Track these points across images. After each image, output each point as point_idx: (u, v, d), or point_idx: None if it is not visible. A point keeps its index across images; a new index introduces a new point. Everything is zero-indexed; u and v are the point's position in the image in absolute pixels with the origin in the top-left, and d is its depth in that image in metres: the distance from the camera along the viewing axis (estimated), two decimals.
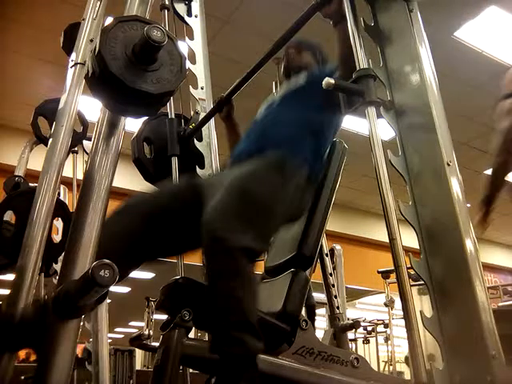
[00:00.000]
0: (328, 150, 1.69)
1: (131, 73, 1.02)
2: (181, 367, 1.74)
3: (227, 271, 1.16)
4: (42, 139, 2.12)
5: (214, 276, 1.18)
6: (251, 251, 1.20)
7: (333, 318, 2.15)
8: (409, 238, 1.32)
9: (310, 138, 1.54)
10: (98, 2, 1.73)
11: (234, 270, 1.16)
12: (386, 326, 6.12)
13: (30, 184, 2.41)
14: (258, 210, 1.31)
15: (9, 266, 2.01)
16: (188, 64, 2.16)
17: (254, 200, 1.33)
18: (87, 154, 2.28)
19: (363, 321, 6.44)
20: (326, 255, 2.40)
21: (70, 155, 3.04)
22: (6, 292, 1.25)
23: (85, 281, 0.88)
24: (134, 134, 2.08)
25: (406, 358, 6.56)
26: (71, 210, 1.62)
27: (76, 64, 1.61)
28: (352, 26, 1.32)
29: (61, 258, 1.21)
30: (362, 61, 1.27)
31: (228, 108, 1.92)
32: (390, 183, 1.20)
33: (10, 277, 1.38)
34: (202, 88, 2.24)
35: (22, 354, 6.76)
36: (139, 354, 4.95)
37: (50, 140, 1.51)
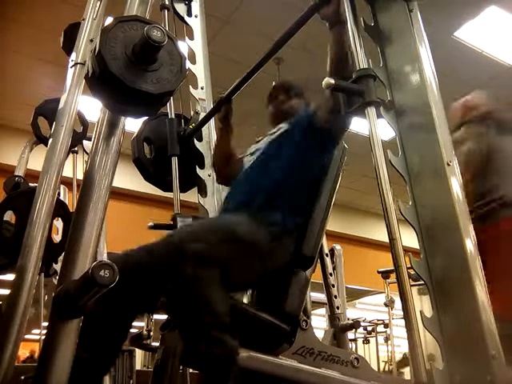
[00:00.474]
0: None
1: (131, 73, 1.02)
2: (181, 367, 1.74)
3: (195, 277, 1.16)
4: (42, 139, 2.12)
5: (181, 281, 1.18)
6: (210, 260, 1.20)
7: (333, 318, 2.16)
8: (409, 238, 1.32)
9: (294, 188, 1.53)
10: (98, 2, 1.73)
11: (200, 275, 1.16)
12: (386, 326, 6.12)
13: (30, 184, 2.41)
14: (226, 238, 1.31)
15: (9, 266, 2.01)
16: (188, 64, 2.16)
17: (223, 231, 1.35)
18: (87, 153, 2.28)
19: (363, 321, 6.44)
20: (326, 255, 2.41)
21: (70, 155, 3.04)
22: (6, 292, 1.25)
23: (85, 281, 0.88)
24: (134, 134, 2.08)
25: (403, 359, 6.56)
26: (71, 210, 1.63)
27: (76, 64, 1.61)
28: (352, 26, 1.32)
29: (61, 258, 1.21)
30: (361, 61, 1.27)
31: (226, 108, 1.89)
32: (390, 183, 1.20)
33: (10, 277, 1.38)
34: (202, 88, 2.24)
35: (23, 354, 6.76)
36: (139, 353, 4.94)
37: (50, 140, 1.51)
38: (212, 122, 2.14)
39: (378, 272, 4.83)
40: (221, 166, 1.95)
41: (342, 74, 1.31)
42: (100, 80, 1.02)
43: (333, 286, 2.18)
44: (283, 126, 1.70)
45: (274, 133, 1.71)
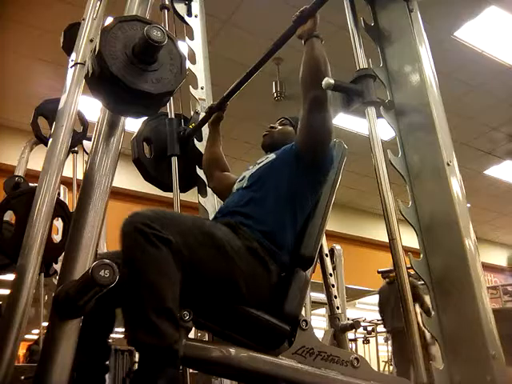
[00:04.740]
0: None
1: (131, 73, 1.02)
2: (181, 367, 1.73)
3: (142, 258, 1.10)
4: (42, 139, 2.12)
5: (128, 262, 1.12)
6: (168, 241, 1.13)
7: (333, 317, 2.15)
8: (409, 238, 1.32)
9: (285, 218, 1.44)
10: (98, 2, 1.73)
11: (149, 256, 1.10)
12: None
13: (30, 184, 2.41)
14: (189, 225, 1.23)
15: (9, 266, 2.01)
16: (188, 64, 2.16)
17: (191, 219, 1.27)
18: (87, 153, 2.28)
19: (363, 321, 6.45)
20: (326, 255, 2.41)
21: (70, 155, 3.04)
22: (6, 292, 1.25)
23: (85, 281, 0.88)
24: (134, 134, 2.08)
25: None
26: (71, 210, 1.63)
27: (76, 64, 1.61)
28: (352, 25, 1.32)
29: (61, 258, 1.21)
30: (362, 61, 1.28)
31: (218, 115, 1.89)
32: (390, 183, 1.20)
33: (10, 277, 1.38)
34: (201, 88, 2.24)
35: (22, 354, 6.77)
36: None
37: (50, 140, 1.52)
38: None
39: (378, 272, 4.83)
40: (207, 169, 1.92)
41: (317, 82, 1.28)
42: (100, 80, 1.02)
43: (333, 286, 2.18)
44: (270, 156, 1.61)
45: (262, 161, 1.63)
